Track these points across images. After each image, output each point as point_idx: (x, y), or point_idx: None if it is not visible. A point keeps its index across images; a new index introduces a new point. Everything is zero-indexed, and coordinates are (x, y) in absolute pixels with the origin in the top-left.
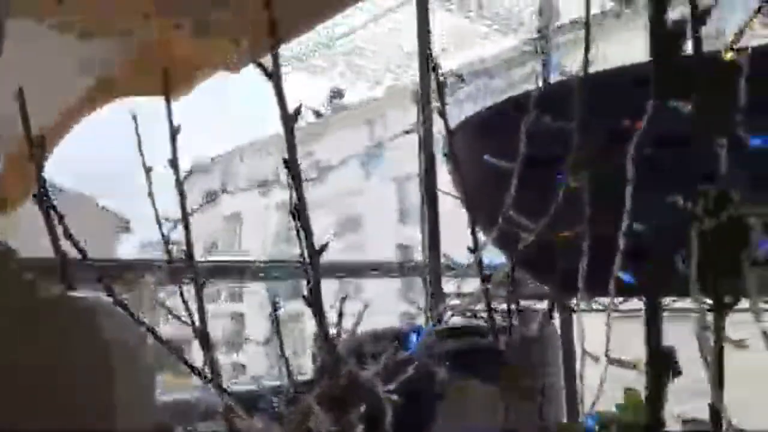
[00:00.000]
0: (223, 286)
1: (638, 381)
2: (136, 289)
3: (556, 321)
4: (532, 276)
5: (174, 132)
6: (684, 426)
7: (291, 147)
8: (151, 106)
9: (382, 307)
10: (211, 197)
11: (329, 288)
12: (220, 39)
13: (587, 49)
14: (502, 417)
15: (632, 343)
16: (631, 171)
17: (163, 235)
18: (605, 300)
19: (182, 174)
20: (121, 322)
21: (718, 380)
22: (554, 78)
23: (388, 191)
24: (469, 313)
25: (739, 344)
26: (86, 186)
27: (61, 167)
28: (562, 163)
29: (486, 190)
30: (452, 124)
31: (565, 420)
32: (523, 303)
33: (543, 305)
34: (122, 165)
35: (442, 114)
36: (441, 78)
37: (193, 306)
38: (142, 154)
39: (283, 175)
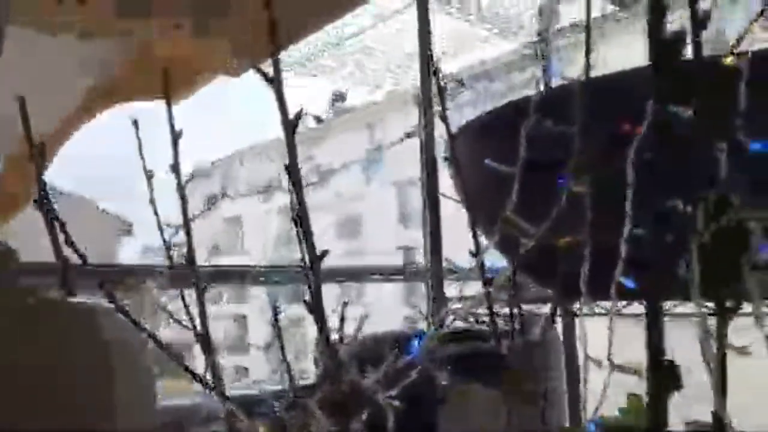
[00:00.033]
0: (225, 288)
1: (641, 386)
2: (138, 294)
3: (559, 325)
4: (533, 280)
5: (176, 137)
6: (687, 427)
7: (292, 153)
8: (153, 109)
9: (383, 310)
10: (212, 202)
11: (331, 292)
12: (221, 42)
13: (588, 53)
14: (504, 421)
15: (634, 346)
16: (632, 175)
17: (164, 240)
18: (607, 304)
19: (184, 179)
20: (121, 324)
21: (720, 387)
22: (555, 82)
23: (389, 195)
24: (471, 317)
25: (742, 351)
26: (88, 189)
27: (62, 170)
28: (563, 167)
29: (487, 194)
30: (453, 129)
31: (567, 424)
32: (525, 307)
33: (546, 309)
34: (124, 168)
35: (444, 118)
36: (442, 82)
37: (195, 310)
38: (143, 159)
39: (284, 180)
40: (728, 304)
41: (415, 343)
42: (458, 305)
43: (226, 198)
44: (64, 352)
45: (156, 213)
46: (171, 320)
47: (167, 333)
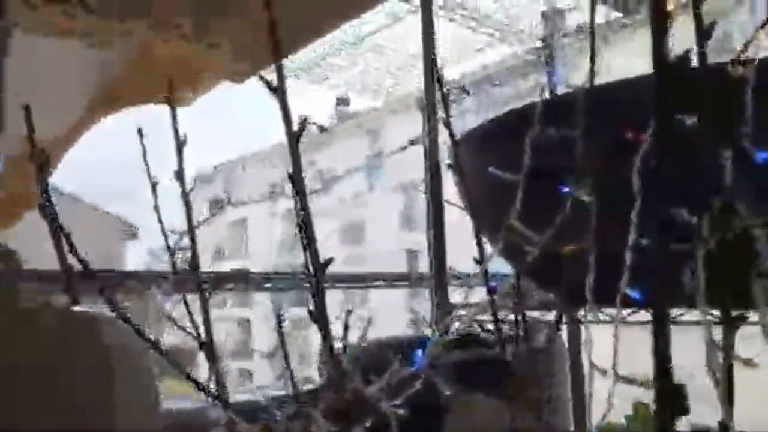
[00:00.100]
0: (229, 293)
1: (647, 393)
2: (142, 301)
3: (563, 331)
4: (538, 286)
5: (180, 144)
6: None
7: (296, 162)
8: (157, 113)
9: (388, 315)
10: (217, 207)
11: (334, 298)
12: (221, 42)
13: (593, 61)
14: (508, 429)
15: (639, 351)
16: (637, 183)
17: (169, 247)
18: (612, 311)
19: (188, 186)
20: (123, 328)
21: (727, 397)
22: (560, 89)
23: (392, 199)
24: (476, 324)
25: (749, 363)
26: (93, 193)
27: (68, 174)
28: (566, 175)
29: (491, 201)
30: (456, 135)
31: (572, 431)
32: (530, 313)
33: (551, 316)
34: (130, 173)
35: (448, 125)
36: (445, 89)
37: (199, 318)
38: (147, 166)
39: (288, 186)
40: (734, 312)
41: (419, 352)
42: (463, 312)
43: (230, 205)
44: (64, 353)
45: (160, 220)
46: (175, 328)
47: (174, 337)
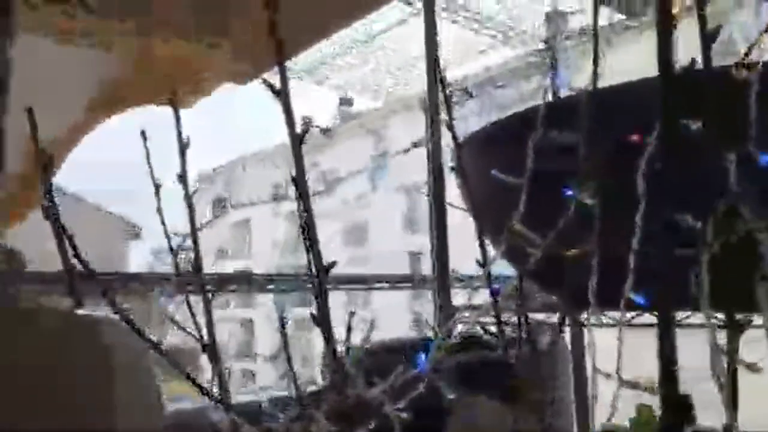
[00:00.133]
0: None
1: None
2: (145, 302)
3: (567, 333)
4: (541, 288)
5: (183, 147)
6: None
7: (299, 165)
8: (160, 114)
9: (390, 315)
10: (220, 207)
11: (337, 299)
12: (224, 47)
13: (596, 63)
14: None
15: (643, 354)
16: (641, 187)
17: (171, 249)
18: (616, 314)
19: (191, 189)
20: (123, 329)
21: (731, 401)
22: (563, 92)
23: (395, 200)
24: (478, 326)
25: (753, 368)
26: (97, 193)
27: (71, 174)
28: (569, 178)
29: (494, 204)
30: (459, 137)
31: None
32: (533, 316)
33: (555, 318)
34: (133, 172)
35: (450, 127)
36: (449, 92)
37: (201, 320)
38: (151, 168)
39: (291, 188)
40: (739, 317)
41: (422, 356)
42: (466, 314)
43: (233, 208)
44: (64, 352)
45: (163, 222)
46: (178, 329)
47: (174, 338)
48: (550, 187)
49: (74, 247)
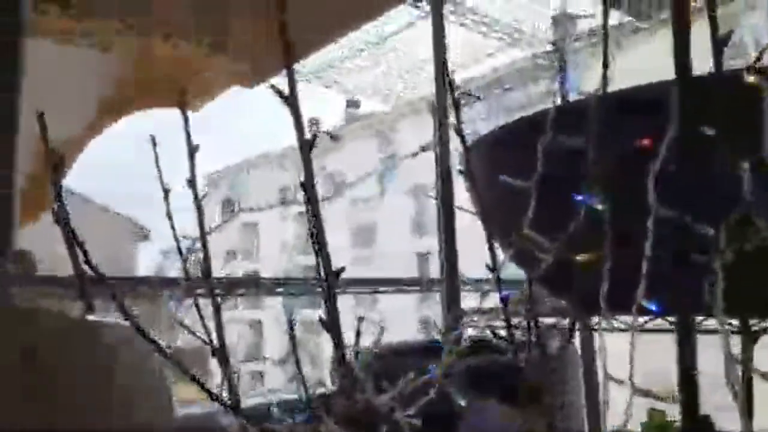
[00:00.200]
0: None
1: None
2: (155, 306)
3: (577, 338)
4: (551, 293)
5: (192, 150)
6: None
7: (308, 170)
8: (168, 116)
9: (399, 317)
10: (229, 210)
11: (345, 302)
12: (224, 47)
13: (606, 66)
14: None
15: (656, 357)
16: (653, 193)
17: (181, 253)
18: (626, 318)
19: (200, 193)
20: (126, 330)
21: (746, 410)
22: (572, 95)
23: (403, 203)
24: (488, 330)
25: (767, 377)
26: (104, 194)
27: (80, 176)
28: (579, 182)
29: (503, 208)
30: (467, 141)
31: None
32: (543, 320)
33: (565, 322)
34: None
35: (459, 131)
36: (457, 95)
37: (210, 324)
38: (160, 173)
39: (299, 192)
40: (753, 323)
41: (433, 365)
42: (474, 318)
43: (242, 212)
44: (64, 354)
45: (173, 227)
46: (187, 333)
47: (185, 341)
48: (560, 191)
49: (85, 253)
